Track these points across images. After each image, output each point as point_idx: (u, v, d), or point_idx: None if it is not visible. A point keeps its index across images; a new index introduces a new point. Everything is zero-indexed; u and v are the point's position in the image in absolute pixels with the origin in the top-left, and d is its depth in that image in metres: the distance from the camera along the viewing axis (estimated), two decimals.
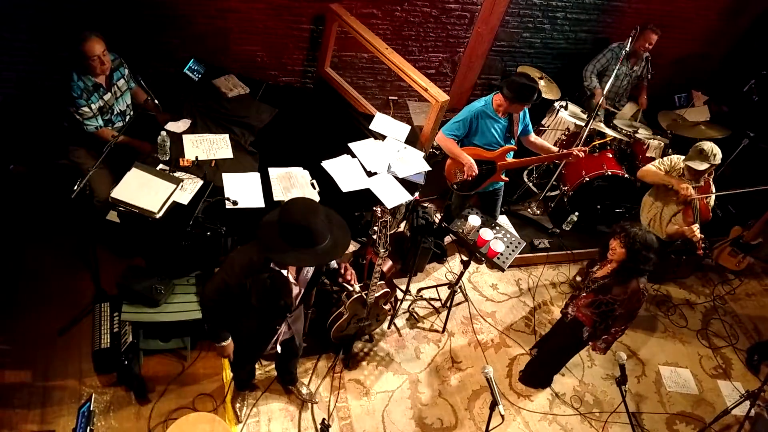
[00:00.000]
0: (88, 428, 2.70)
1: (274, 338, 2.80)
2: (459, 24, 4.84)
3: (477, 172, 3.74)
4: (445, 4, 4.62)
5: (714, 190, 3.95)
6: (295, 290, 2.55)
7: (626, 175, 4.70)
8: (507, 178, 4.01)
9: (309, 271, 2.58)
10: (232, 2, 3.99)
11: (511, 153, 3.84)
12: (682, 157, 3.93)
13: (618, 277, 3.02)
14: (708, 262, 5.22)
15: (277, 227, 2.23)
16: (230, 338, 2.67)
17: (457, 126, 3.77)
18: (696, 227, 3.81)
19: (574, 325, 3.33)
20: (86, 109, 3.31)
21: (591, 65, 5.14)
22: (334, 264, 2.76)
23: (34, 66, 3.77)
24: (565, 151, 3.86)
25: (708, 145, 3.74)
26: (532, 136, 3.98)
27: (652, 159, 4.98)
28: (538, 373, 3.91)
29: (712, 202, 3.98)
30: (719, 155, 3.74)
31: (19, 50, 3.68)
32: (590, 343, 3.31)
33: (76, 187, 2.87)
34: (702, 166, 3.73)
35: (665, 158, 4.10)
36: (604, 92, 4.63)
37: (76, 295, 3.63)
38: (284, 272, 2.42)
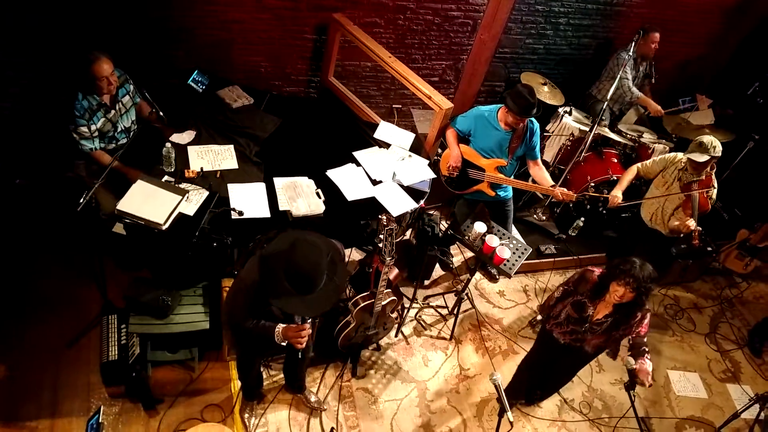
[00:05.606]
0: None
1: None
2: (462, 31, 4.84)
3: (458, 165, 3.87)
4: (447, 12, 4.63)
5: (715, 185, 3.96)
6: None
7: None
8: (494, 192, 3.96)
9: None
10: (235, 13, 4.00)
11: (503, 168, 3.85)
12: (680, 154, 3.96)
13: (624, 311, 2.96)
14: (715, 266, 5.20)
15: (282, 272, 2.31)
16: (280, 323, 2.57)
17: (461, 121, 3.91)
18: (691, 221, 3.84)
19: (594, 351, 3.26)
20: (84, 129, 3.25)
21: (623, 82, 4.96)
22: None
23: (38, 81, 3.77)
24: (551, 189, 3.77)
25: (707, 138, 3.80)
26: (538, 164, 3.93)
27: None
28: (549, 394, 3.89)
29: (714, 196, 3.98)
30: (719, 147, 3.78)
31: (24, 65, 3.68)
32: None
33: (81, 200, 2.87)
34: (702, 157, 3.76)
35: (661, 156, 4.12)
36: (609, 96, 4.63)
37: (83, 307, 3.64)
38: None
